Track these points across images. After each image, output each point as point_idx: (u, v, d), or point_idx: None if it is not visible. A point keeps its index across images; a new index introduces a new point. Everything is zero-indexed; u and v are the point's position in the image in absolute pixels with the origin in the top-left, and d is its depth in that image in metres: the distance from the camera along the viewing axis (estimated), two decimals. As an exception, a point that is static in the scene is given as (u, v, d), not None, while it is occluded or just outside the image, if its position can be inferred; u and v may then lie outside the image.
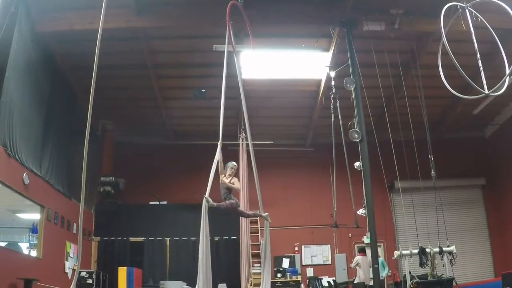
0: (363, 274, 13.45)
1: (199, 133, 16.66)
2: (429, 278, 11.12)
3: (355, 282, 13.59)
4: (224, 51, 8.12)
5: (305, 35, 12.20)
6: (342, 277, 15.67)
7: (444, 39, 7.10)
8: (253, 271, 15.36)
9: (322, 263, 16.78)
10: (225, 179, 7.62)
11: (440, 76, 7.64)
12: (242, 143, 12.95)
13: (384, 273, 13.59)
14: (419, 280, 11.22)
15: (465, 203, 17.40)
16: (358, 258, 13.89)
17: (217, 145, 7.52)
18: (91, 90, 4.12)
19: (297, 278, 15.89)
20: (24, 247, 13.51)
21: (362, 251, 14.16)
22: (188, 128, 17.13)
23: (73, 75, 13.05)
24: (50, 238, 11.51)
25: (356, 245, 16.62)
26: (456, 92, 7.79)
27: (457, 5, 7.65)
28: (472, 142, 17.80)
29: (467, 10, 7.62)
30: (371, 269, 12.12)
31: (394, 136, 11.71)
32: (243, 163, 12.36)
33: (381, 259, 13.68)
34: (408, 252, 11.13)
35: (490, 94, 7.48)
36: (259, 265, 15.72)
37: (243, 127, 13.24)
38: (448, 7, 7.53)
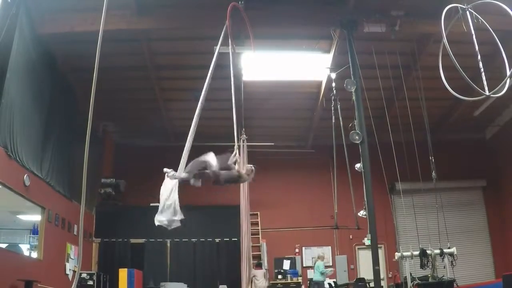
0: (258, 285, 14.28)
1: (199, 134, 16.60)
2: (430, 280, 11.12)
3: None
4: (224, 53, 8.10)
5: (305, 37, 12.21)
6: (343, 278, 15.66)
7: (445, 40, 7.11)
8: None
9: (323, 265, 16.77)
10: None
11: (440, 77, 7.64)
12: (243, 144, 12.99)
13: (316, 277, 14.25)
14: (420, 281, 11.22)
15: (466, 205, 17.40)
16: (254, 271, 14.45)
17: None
18: (92, 91, 4.11)
19: (297, 279, 15.88)
20: (24, 248, 13.52)
21: (259, 265, 15.07)
22: (189, 130, 17.06)
23: (74, 76, 13.05)
24: (51, 240, 11.51)
25: (356, 247, 16.63)
26: (457, 93, 7.79)
27: (457, 6, 7.65)
28: (473, 144, 17.80)
29: (467, 12, 7.63)
30: (265, 281, 14.49)
31: (395, 138, 11.72)
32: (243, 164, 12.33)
33: (319, 262, 14.34)
34: (409, 253, 11.14)
35: (491, 95, 7.49)
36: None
37: (243, 129, 13.29)
38: (449, 8, 7.53)
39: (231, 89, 7.47)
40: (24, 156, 10.19)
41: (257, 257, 15.64)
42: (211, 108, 13.98)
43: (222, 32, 7.59)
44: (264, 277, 14.98)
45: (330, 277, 15.81)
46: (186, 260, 15.25)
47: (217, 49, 7.36)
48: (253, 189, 13.73)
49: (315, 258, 15.27)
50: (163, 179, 5.83)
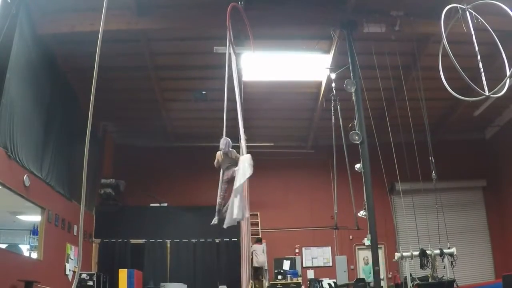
0: (259, 259, 15.05)
1: (199, 134, 16.65)
2: (430, 280, 11.10)
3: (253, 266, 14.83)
4: (224, 53, 8.11)
5: (305, 37, 12.21)
6: (342, 279, 15.66)
7: (445, 41, 7.11)
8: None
9: (322, 265, 16.79)
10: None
11: (440, 78, 7.65)
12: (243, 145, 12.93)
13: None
14: (420, 282, 11.20)
15: (466, 205, 17.41)
16: (254, 246, 15.00)
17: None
18: (92, 91, 4.11)
19: (297, 280, 15.88)
20: (24, 249, 13.54)
21: (258, 241, 15.69)
22: (189, 130, 17.13)
23: (74, 76, 13.05)
24: (51, 240, 11.51)
25: (357, 247, 16.63)
26: (457, 94, 7.80)
27: (457, 7, 7.65)
28: (473, 144, 17.81)
29: (467, 12, 7.63)
30: (264, 255, 15.23)
31: (395, 138, 11.70)
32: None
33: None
34: (408, 254, 11.12)
35: (491, 95, 7.50)
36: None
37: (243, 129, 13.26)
38: (449, 9, 7.54)
39: (234, 89, 7.48)
40: (24, 157, 10.18)
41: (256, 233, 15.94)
42: (212, 109, 14.03)
43: (229, 34, 7.59)
44: (263, 252, 15.35)
45: (330, 277, 15.85)
46: (186, 260, 15.24)
47: (227, 50, 7.41)
48: (253, 189, 13.65)
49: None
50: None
